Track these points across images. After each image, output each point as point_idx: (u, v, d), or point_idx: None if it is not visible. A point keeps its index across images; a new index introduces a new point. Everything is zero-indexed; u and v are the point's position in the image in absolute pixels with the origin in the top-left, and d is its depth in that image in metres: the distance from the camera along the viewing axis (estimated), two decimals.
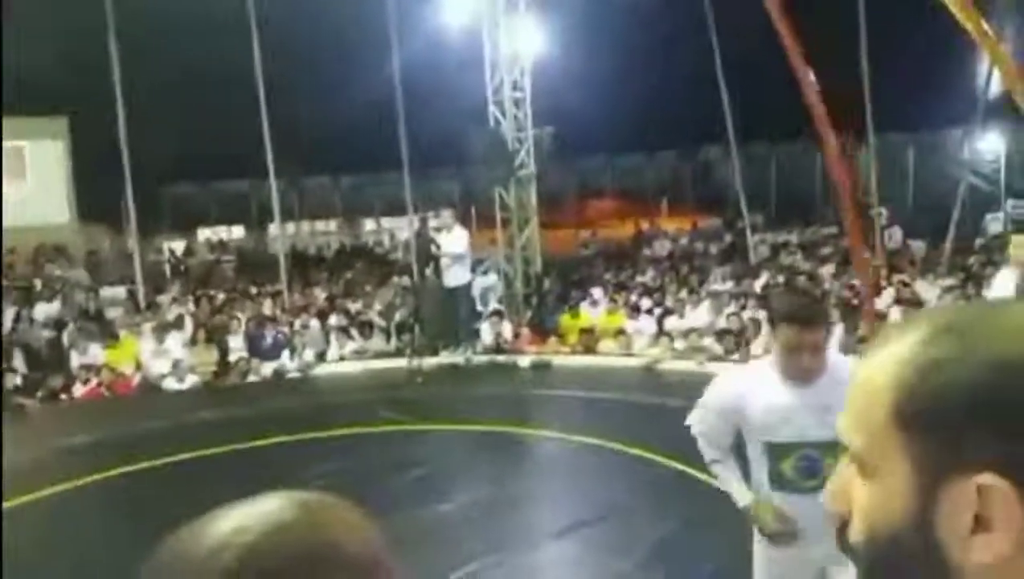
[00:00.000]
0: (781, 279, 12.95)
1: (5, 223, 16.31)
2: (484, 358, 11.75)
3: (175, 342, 11.82)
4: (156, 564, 0.71)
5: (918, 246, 15.13)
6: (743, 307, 11.52)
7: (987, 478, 0.55)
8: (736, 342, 10.55)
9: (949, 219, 13.12)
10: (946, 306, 0.61)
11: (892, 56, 13.20)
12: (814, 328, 2.72)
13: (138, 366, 11.58)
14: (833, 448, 2.58)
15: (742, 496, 3.08)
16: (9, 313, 12.63)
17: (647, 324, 11.74)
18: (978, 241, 15.19)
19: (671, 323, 11.63)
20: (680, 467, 6.80)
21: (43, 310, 12.82)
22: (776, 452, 2.91)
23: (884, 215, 15.14)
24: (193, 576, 0.67)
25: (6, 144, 18.33)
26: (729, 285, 13.02)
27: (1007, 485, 0.54)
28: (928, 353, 0.59)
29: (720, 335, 10.81)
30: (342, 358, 12.14)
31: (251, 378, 11.60)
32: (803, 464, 2.84)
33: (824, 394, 2.68)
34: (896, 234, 15.93)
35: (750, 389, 2.93)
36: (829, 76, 14.40)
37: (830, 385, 2.68)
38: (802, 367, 2.73)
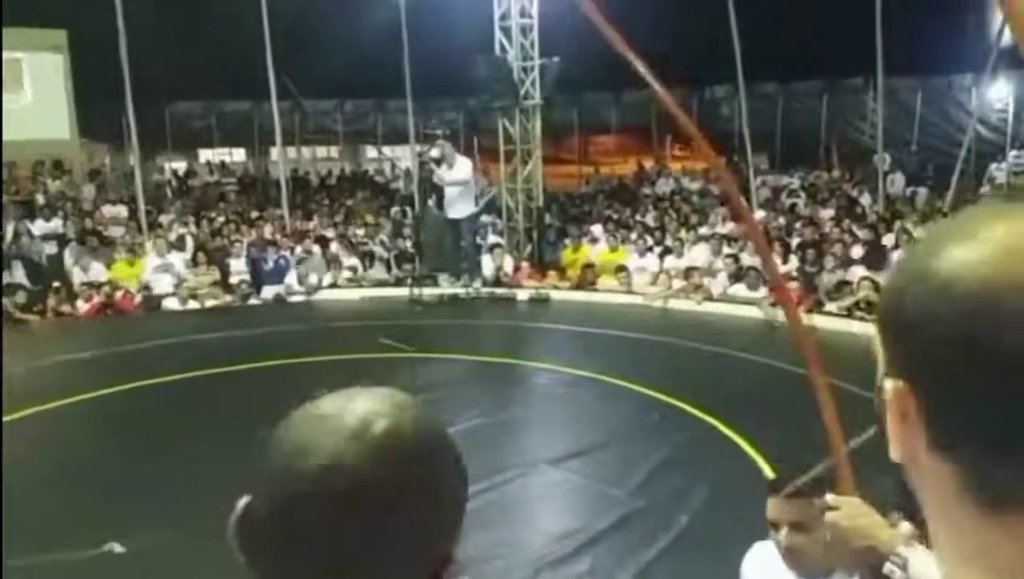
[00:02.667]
0: (781, 221, 12.98)
1: (4, 136, 16.17)
2: (484, 290, 11.84)
3: (177, 261, 11.90)
4: (291, 439, 0.75)
5: (921, 193, 15.12)
6: (742, 249, 11.57)
7: (896, 383, 0.58)
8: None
9: (953, 167, 13.07)
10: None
11: None
12: (794, 500, 2.14)
13: (140, 286, 11.66)
14: None
15: None
16: (9, 227, 12.64)
17: (651, 262, 11.80)
18: (982, 190, 15.17)
19: (670, 262, 11.70)
20: (671, 400, 6.98)
21: (44, 225, 12.83)
22: None
23: (887, 161, 15.09)
24: (338, 446, 0.72)
25: (3, 54, 18.02)
26: (729, 226, 13.05)
27: (906, 392, 0.57)
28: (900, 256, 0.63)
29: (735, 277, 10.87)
30: (335, 285, 12.20)
31: (252, 301, 11.70)
32: None
33: None
34: (898, 180, 15.89)
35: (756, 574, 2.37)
36: (841, 18, 14.23)
37: None
38: (782, 546, 2.19)
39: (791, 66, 19.04)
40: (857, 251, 11.06)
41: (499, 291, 11.81)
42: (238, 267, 12.17)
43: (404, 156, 19.54)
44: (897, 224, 12.03)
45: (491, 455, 5.84)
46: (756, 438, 5.92)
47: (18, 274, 11.75)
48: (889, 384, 0.58)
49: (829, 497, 1.88)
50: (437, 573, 0.74)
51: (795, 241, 11.78)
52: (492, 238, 13.15)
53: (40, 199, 14.52)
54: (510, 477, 5.49)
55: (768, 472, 5.46)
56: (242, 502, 0.75)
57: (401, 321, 10.38)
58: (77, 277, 11.56)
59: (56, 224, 12.96)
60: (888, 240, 11.34)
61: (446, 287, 11.89)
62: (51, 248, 12.45)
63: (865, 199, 14.68)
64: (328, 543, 0.71)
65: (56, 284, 11.21)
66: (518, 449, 6.20)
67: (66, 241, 12.59)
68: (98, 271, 11.63)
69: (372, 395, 0.77)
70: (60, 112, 18.50)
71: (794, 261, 11.06)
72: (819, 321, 9.78)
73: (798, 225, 12.53)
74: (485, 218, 13.62)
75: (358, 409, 0.74)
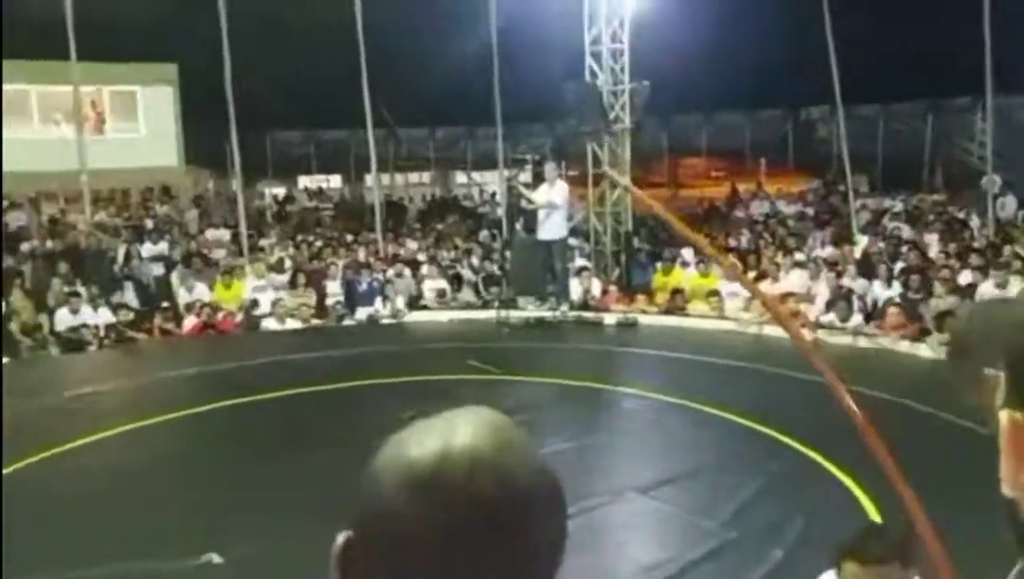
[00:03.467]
0: (882, 246, 12.49)
1: (118, 164, 17.17)
2: (571, 314, 11.79)
3: (276, 282, 12.36)
4: (379, 470, 0.72)
5: None
6: (840, 274, 11.18)
7: (1012, 414, 0.60)
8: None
9: None
10: None
11: (1015, 15, 12.36)
12: (873, 567, 2.26)
13: (241, 306, 12.10)
14: None
15: None
16: (121, 249, 13.34)
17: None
18: None
19: (765, 287, 11.38)
20: (765, 429, 6.76)
21: (152, 248, 13.47)
22: None
23: (998, 183, 14.36)
24: (421, 485, 0.69)
25: (119, 88, 19.20)
26: (828, 251, 12.65)
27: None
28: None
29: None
30: (425, 307, 12.36)
31: (346, 322, 11.99)
32: None
33: None
34: (1010, 203, 15.09)
35: None
36: (947, 35, 13.67)
37: None
38: None
39: (893, 86, 18.42)
40: (966, 277, 10.53)
41: (586, 315, 11.74)
42: (334, 289, 12.50)
43: (493, 181, 19.77)
44: (1007, 249, 11.40)
45: (578, 481, 5.74)
46: (855, 471, 5.67)
47: (128, 295, 12.38)
48: (1005, 414, 0.57)
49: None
50: None
51: (899, 266, 11.30)
52: (579, 261, 13.12)
53: (149, 223, 15.29)
54: (597, 504, 5.40)
55: (866, 504, 5.22)
56: (342, 537, 0.73)
57: (489, 343, 10.42)
58: (182, 297, 12.08)
59: (163, 247, 13.60)
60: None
61: (532, 310, 11.90)
62: (158, 270, 13.08)
63: (973, 222, 14.00)
64: (430, 575, 0.69)
65: (164, 304, 11.77)
66: (605, 475, 6.11)
67: (172, 263, 13.20)
68: (202, 292, 12.13)
69: (470, 421, 0.74)
70: (169, 141, 19.54)
71: (896, 287, 10.62)
72: (924, 350, 9.35)
73: (904, 249, 12.02)
74: (572, 241, 13.62)
75: (457, 436, 0.72)
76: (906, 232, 13.58)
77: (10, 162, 16.96)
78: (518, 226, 13.30)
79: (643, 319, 11.47)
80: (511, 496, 0.70)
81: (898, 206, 16.13)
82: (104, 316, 11.25)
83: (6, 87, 18.14)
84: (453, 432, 0.72)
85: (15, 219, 15.62)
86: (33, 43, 14.74)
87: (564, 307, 11.74)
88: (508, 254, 13.02)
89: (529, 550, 0.71)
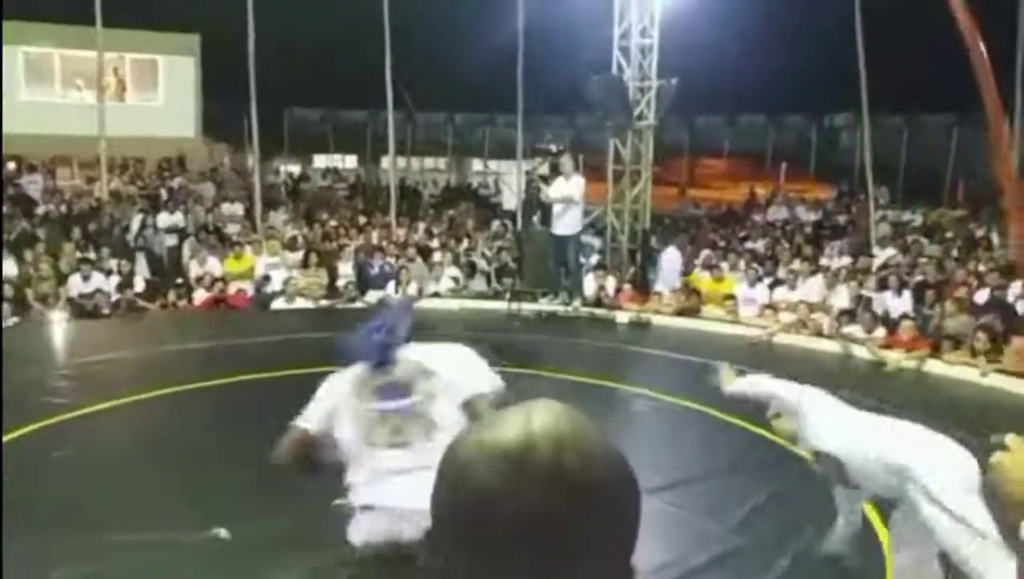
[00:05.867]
0: (903, 259, 12.36)
1: (135, 132, 17.15)
2: (583, 310, 11.71)
3: (288, 261, 12.30)
4: (462, 459, 0.74)
5: None
6: (860, 285, 11.06)
7: None
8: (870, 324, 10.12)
9: None
10: None
11: None
12: None
13: (252, 280, 12.06)
14: None
15: None
16: (136, 219, 13.32)
17: (760, 293, 11.41)
18: None
19: (780, 294, 11.29)
20: (776, 438, 6.67)
21: (167, 219, 13.45)
22: None
23: None
24: (510, 467, 0.72)
25: (141, 56, 19.16)
26: (845, 260, 12.53)
27: None
28: None
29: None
30: (437, 294, 12.30)
31: (357, 304, 11.94)
32: None
33: None
34: None
35: None
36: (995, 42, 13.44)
37: None
38: None
39: (919, 98, 18.24)
40: (982, 295, 10.41)
41: (599, 312, 11.66)
42: (345, 271, 12.45)
43: (509, 171, 19.67)
44: None
45: None
46: None
47: (140, 265, 12.36)
48: None
49: (1009, 437, 1.61)
50: None
51: (915, 280, 11.17)
52: (595, 258, 13.03)
53: (163, 193, 15.27)
54: None
55: (874, 516, 5.15)
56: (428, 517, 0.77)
57: (498, 335, 10.34)
58: (194, 270, 12.06)
59: (178, 218, 13.57)
60: (1018, 286, 10.62)
61: (544, 304, 11.82)
62: (171, 241, 13.05)
63: (994, 240, 13.85)
64: (521, 551, 0.71)
65: (179, 280, 11.74)
66: None
67: (186, 235, 13.17)
68: (213, 265, 12.10)
69: (542, 409, 0.77)
70: (188, 112, 19.48)
71: (908, 300, 10.50)
72: (935, 366, 9.25)
73: (922, 261, 11.91)
74: (587, 238, 13.52)
75: (536, 421, 0.75)
76: (928, 247, 13.44)
77: (31, 125, 17.04)
78: (535, 219, 13.21)
79: (656, 319, 11.38)
80: (596, 474, 0.74)
81: (918, 220, 16.00)
82: (116, 284, 11.23)
83: (32, 50, 18.17)
84: (531, 418, 0.75)
85: (31, 182, 15.64)
86: (59, 6, 14.72)
87: (576, 302, 11.66)
88: (523, 246, 12.95)
89: (611, 525, 0.75)
